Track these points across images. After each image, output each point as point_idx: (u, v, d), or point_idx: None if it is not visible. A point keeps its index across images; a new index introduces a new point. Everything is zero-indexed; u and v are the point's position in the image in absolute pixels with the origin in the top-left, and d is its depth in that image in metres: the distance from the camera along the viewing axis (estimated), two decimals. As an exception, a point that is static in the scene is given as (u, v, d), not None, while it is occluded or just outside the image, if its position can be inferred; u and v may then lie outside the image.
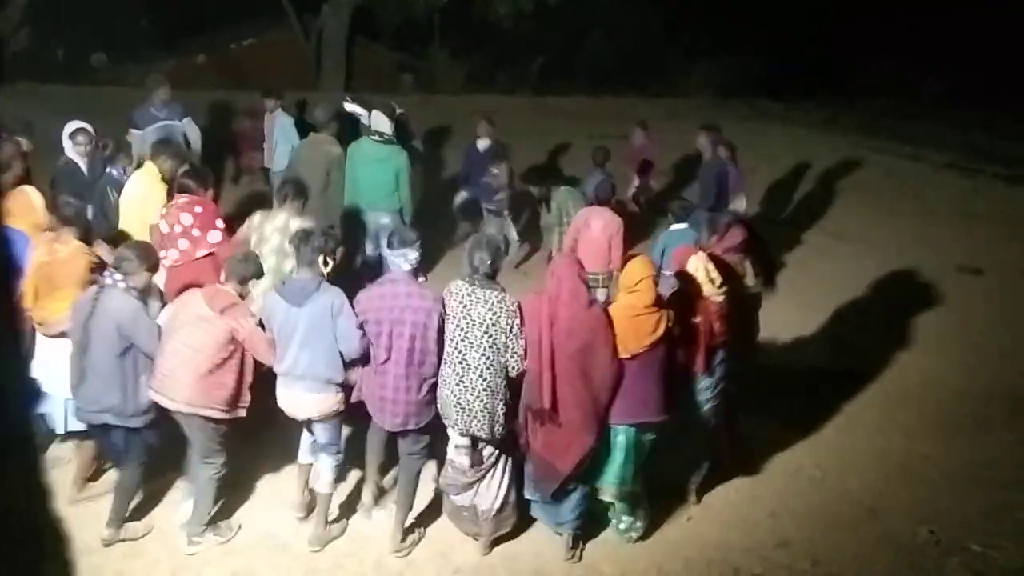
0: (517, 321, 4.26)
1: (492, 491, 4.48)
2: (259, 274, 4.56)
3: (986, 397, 6.49)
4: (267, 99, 8.41)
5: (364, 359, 4.39)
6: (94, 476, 4.87)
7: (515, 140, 9.45)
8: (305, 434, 4.63)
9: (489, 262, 4.31)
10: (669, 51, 16.49)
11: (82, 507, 4.61)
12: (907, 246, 9.01)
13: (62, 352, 4.41)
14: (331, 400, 4.38)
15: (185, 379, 4.19)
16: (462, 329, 4.25)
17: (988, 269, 8.66)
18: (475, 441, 4.37)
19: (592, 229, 6.45)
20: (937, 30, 14.67)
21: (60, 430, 4.64)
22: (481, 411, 4.26)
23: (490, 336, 4.23)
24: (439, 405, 4.39)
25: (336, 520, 4.71)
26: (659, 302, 4.44)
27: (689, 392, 4.80)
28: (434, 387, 4.37)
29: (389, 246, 4.47)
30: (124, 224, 5.57)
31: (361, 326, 4.28)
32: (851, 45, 15.66)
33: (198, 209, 5.22)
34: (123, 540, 4.46)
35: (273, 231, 5.33)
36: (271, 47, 15.42)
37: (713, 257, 4.92)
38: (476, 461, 4.40)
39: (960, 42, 14.65)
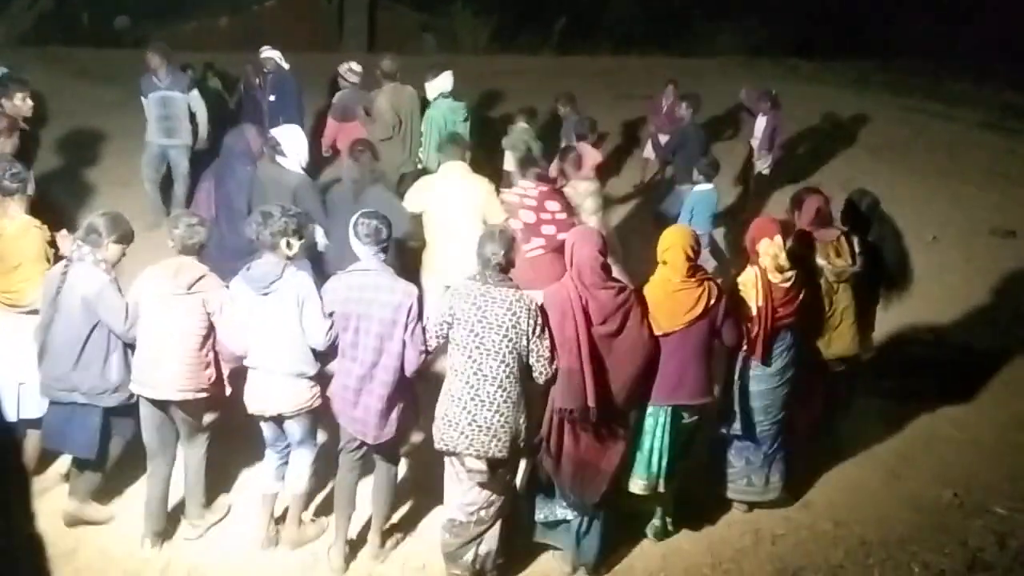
0: (540, 320, 3.81)
1: (496, 532, 4.01)
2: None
3: (1016, 361, 6.39)
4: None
5: (334, 352, 4.03)
6: (40, 469, 4.67)
7: (538, 101, 9.35)
8: (268, 457, 4.27)
9: (502, 254, 3.82)
10: (696, 9, 16.14)
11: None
12: (939, 207, 8.84)
13: (12, 334, 4.29)
14: (303, 395, 4.04)
15: (171, 365, 4.00)
16: (476, 335, 3.75)
17: (1022, 231, 8.48)
18: (492, 465, 3.84)
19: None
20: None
21: (11, 417, 4.45)
22: (501, 427, 3.76)
23: (510, 340, 3.75)
24: (443, 427, 3.84)
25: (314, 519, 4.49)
26: (697, 274, 4.07)
27: (745, 378, 4.41)
28: (399, 399, 3.97)
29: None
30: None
31: (330, 316, 3.95)
32: (883, 1, 15.23)
33: (556, 194, 5.37)
34: (84, 520, 4.34)
35: (583, 197, 5.77)
36: (293, 8, 15.32)
37: (803, 235, 4.61)
38: (493, 489, 3.91)
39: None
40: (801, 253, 4.52)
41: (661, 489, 4.24)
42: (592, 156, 6.71)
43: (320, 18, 15.46)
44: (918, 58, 14.38)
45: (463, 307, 3.80)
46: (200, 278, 4.05)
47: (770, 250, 4.28)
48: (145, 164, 7.55)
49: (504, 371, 3.77)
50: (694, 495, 4.58)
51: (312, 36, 14.24)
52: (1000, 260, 7.88)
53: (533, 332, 3.78)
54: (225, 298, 4.06)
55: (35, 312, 4.24)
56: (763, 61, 14.30)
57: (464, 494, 3.95)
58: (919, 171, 9.83)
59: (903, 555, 4.48)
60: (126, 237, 4.16)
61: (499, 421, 3.77)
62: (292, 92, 7.79)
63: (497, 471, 3.87)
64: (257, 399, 4.09)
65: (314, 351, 4.03)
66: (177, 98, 7.36)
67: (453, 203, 5.36)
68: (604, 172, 7.90)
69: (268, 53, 7.82)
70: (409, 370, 3.91)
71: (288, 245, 3.98)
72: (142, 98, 7.42)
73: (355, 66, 7.55)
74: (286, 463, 4.28)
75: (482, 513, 3.96)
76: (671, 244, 4.06)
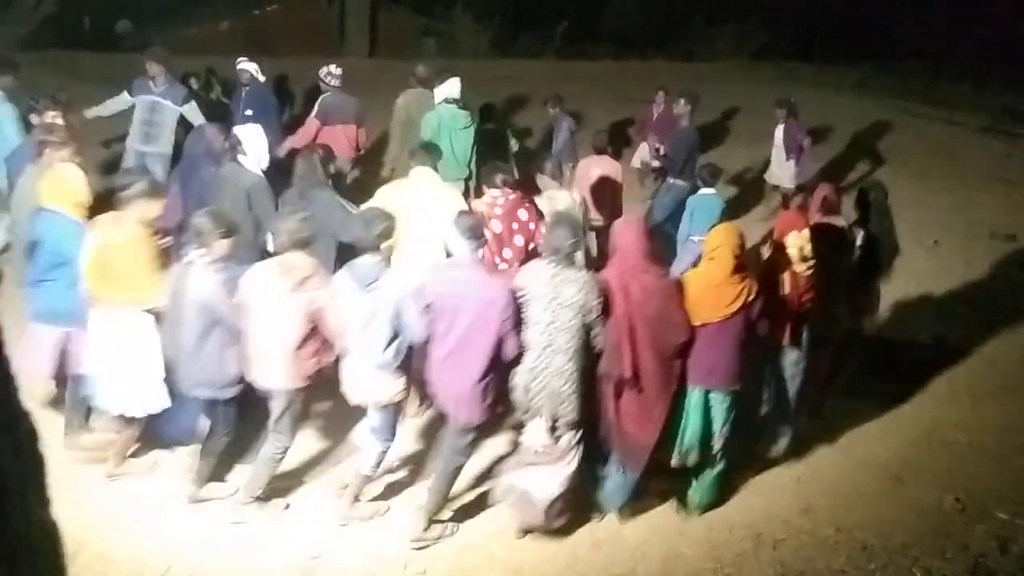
0: (601, 299, 4.18)
1: (555, 479, 4.32)
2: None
3: (1017, 364, 6.39)
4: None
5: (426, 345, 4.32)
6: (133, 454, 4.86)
7: (538, 105, 9.37)
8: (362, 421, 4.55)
9: (571, 241, 4.20)
10: (697, 13, 16.17)
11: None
12: (939, 211, 8.84)
13: (122, 333, 4.40)
14: (391, 386, 4.30)
15: (279, 357, 4.23)
16: (552, 311, 4.13)
17: (1022, 235, 8.48)
18: (555, 427, 4.26)
19: (593, 178, 6.78)
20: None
21: (116, 412, 4.57)
22: (571, 395, 4.16)
23: (582, 317, 4.12)
24: (517, 395, 4.25)
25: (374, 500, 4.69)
26: (742, 270, 4.38)
27: (777, 365, 4.84)
28: (492, 381, 4.22)
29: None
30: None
31: (425, 311, 4.20)
32: (883, 5, 15.25)
33: (527, 203, 5.31)
34: (207, 499, 4.57)
35: (566, 208, 5.43)
36: (294, 12, 15.36)
37: (821, 226, 4.97)
38: (554, 445, 4.28)
39: (997, 1, 14.21)
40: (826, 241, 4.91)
41: (690, 463, 4.55)
42: (605, 168, 6.72)
43: (321, 22, 15.48)
44: (918, 62, 14.40)
45: (538, 288, 4.15)
46: (307, 276, 4.22)
47: (797, 242, 4.66)
48: (122, 173, 7.43)
49: (575, 344, 4.14)
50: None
51: (313, 40, 14.26)
52: (1000, 263, 7.88)
53: (597, 308, 4.12)
54: (330, 294, 4.24)
55: (153, 311, 4.42)
56: (763, 65, 14.33)
57: (536, 453, 4.30)
58: (919, 175, 9.83)
59: (905, 560, 4.47)
60: (231, 230, 4.31)
61: (569, 389, 4.15)
62: (270, 106, 7.69)
63: (565, 433, 4.25)
64: (350, 388, 4.35)
65: (405, 345, 4.25)
66: (166, 107, 7.25)
67: (418, 209, 5.27)
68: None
69: (244, 65, 7.67)
70: (508, 356, 4.18)
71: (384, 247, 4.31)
72: (126, 94, 7.34)
73: (334, 69, 7.49)
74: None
75: (551, 466, 4.31)
76: (720, 243, 4.39)
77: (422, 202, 5.31)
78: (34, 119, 5.62)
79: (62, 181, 4.63)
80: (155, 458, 4.89)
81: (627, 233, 4.38)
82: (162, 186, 4.91)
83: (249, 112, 7.42)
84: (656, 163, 8.54)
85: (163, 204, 4.61)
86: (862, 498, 4.95)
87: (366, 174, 8.01)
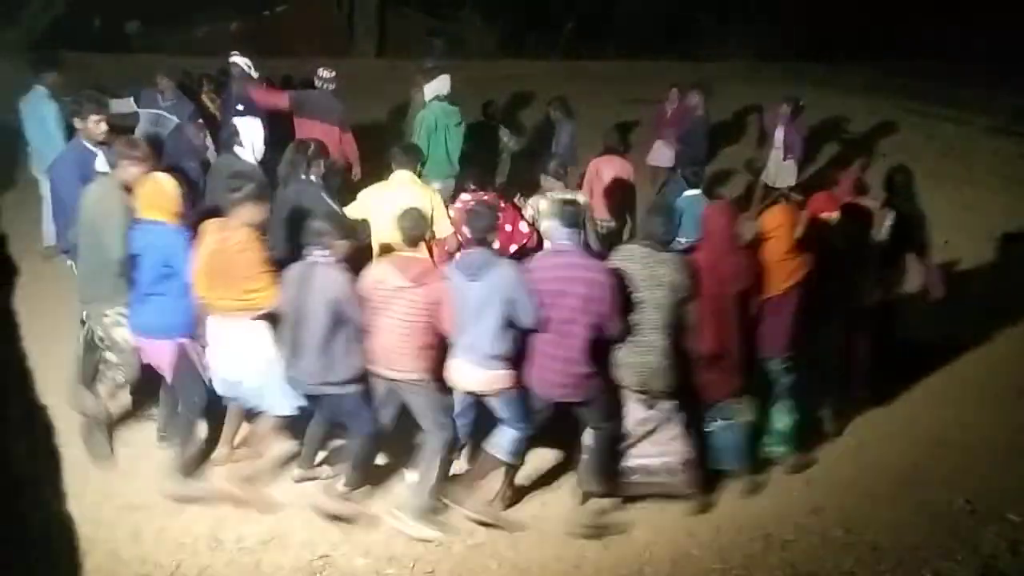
0: (692, 279, 4.49)
1: (663, 447, 4.66)
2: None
3: (1028, 366, 6.36)
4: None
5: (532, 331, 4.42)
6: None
7: (545, 105, 9.34)
8: (500, 429, 4.59)
9: (664, 230, 4.49)
10: (705, 13, 16.13)
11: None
12: (950, 212, 8.78)
13: (241, 339, 4.44)
14: (498, 375, 4.38)
15: (407, 350, 4.34)
16: (648, 290, 4.41)
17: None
18: (657, 397, 4.60)
19: (604, 179, 6.69)
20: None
21: (281, 411, 4.58)
22: (665, 369, 4.47)
23: (675, 294, 4.43)
24: (617, 369, 4.51)
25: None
26: (797, 248, 4.82)
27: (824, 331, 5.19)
28: (595, 358, 4.41)
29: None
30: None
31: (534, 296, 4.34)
32: (893, 5, 15.18)
33: (500, 204, 5.28)
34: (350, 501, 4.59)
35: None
36: (304, 13, 15.40)
37: (854, 206, 5.37)
38: (651, 414, 4.61)
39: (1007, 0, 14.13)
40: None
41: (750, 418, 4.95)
42: (617, 169, 6.67)
43: (330, 23, 15.53)
44: (929, 62, 14.33)
45: (634, 268, 4.43)
46: (425, 271, 4.37)
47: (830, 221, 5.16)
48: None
49: (668, 320, 4.45)
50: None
51: (322, 41, 14.30)
52: (1012, 265, 7.83)
53: (688, 289, 4.44)
54: (447, 287, 4.36)
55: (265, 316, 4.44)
56: (772, 65, 14.28)
57: (634, 421, 4.63)
58: (930, 176, 9.71)
59: (914, 562, 4.45)
60: (351, 231, 4.47)
61: (664, 363, 4.47)
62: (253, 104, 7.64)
63: (662, 404, 4.60)
64: (457, 376, 4.45)
65: (512, 334, 4.37)
66: (172, 122, 7.27)
67: (398, 211, 5.23)
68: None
69: (236, 59, 7.59)
70: (612, 334, 4.39)
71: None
72: (130, 100, 7.38)
73: (324, 72, 7.41)
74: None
75: (650, 434, 4.67)
76: (780, 223, 4.85)
77: (401, 204, 5.27)
78: (77, 123, 5.46)
79: (161, 192, 4.53)
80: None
81: (717, 217, 4.75)
82: (268, 189, 4.81)
83: (240, 107, 7.41)
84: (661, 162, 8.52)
85: (265, 207, 4.57)
86: (872, 499, 4.93)
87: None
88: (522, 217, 5.57)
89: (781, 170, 8.43)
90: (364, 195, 5.52)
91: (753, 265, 4.74)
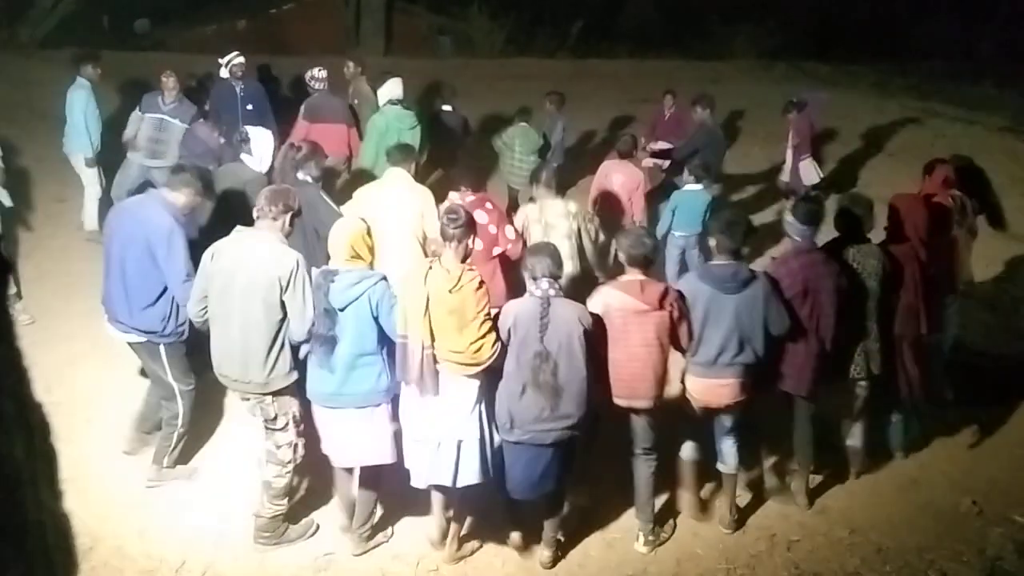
0: (890, 267, 4.76)
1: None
2: (562, 263, 4.16)
3: (1036, 367, 6.33)
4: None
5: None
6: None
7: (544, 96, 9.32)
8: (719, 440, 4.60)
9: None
10: (713, 12, 16.10)
11: None
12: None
13: (459, 397, 3.98)
14: (749, 385, 4.39)
15: (652, 377, 4.17)
16: (866, 281, 4.69)
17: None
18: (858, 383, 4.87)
19: (613, 183, 6.65)
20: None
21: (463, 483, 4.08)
22: (878, 351, 4.76)
23: (879, 282, 4.71)
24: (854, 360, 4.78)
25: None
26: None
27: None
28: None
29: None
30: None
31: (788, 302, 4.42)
32: (902, 4, 15.13)
33: (488, 205, 5.26)
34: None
35: (557, 217, 5.45)
36: (310, 11, 15.45)
37: (928, 199, 5.31)
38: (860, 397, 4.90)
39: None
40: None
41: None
42: (627, 173, 6.63)
43: (337, 21, 15.56)
44: (938, 61, 14.28)
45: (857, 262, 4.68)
46: (664, 292, 4.15)
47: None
48: (118, 182, 7.44)
49: (878, 310, 4.73)
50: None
51: (329, 39, 14.34)
52: (1018, 263, 7.79)
53: (883, 275, 4.71)
54: (686, 305, 4.26)
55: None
56: (780, 64, 14.24)
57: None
58: (938, 175, 9.72)
59: (920, 563, 4.44)
60: (562, 265, 4.10)
61: (876, 347, 4.75)
62: (266, 101, 7.83)
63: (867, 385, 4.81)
64: (704, 393, 4.41)
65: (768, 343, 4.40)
66: (174, 125, 7.31)
67: (390, 211, 5.23)
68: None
69: (240, 59, 7.72)
70: (779, 332, 4.41)
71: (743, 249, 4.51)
72: (138, 110, 7.45)
73: (317, 73, 7.57)
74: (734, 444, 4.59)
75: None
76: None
77: (397, 202, 5.33)
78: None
79: (359, 239, 4.03)
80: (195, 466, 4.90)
81: (915, 207, 5.03)
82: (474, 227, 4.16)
83: (250, 107, 7.63)
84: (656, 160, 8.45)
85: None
86: (877, 500, 4.92)
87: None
88: (510, 222, 5.50)
89: (801, 170, 8.36)
90: (360, 193, 5.53)
91: (948, 251, 5.10)
